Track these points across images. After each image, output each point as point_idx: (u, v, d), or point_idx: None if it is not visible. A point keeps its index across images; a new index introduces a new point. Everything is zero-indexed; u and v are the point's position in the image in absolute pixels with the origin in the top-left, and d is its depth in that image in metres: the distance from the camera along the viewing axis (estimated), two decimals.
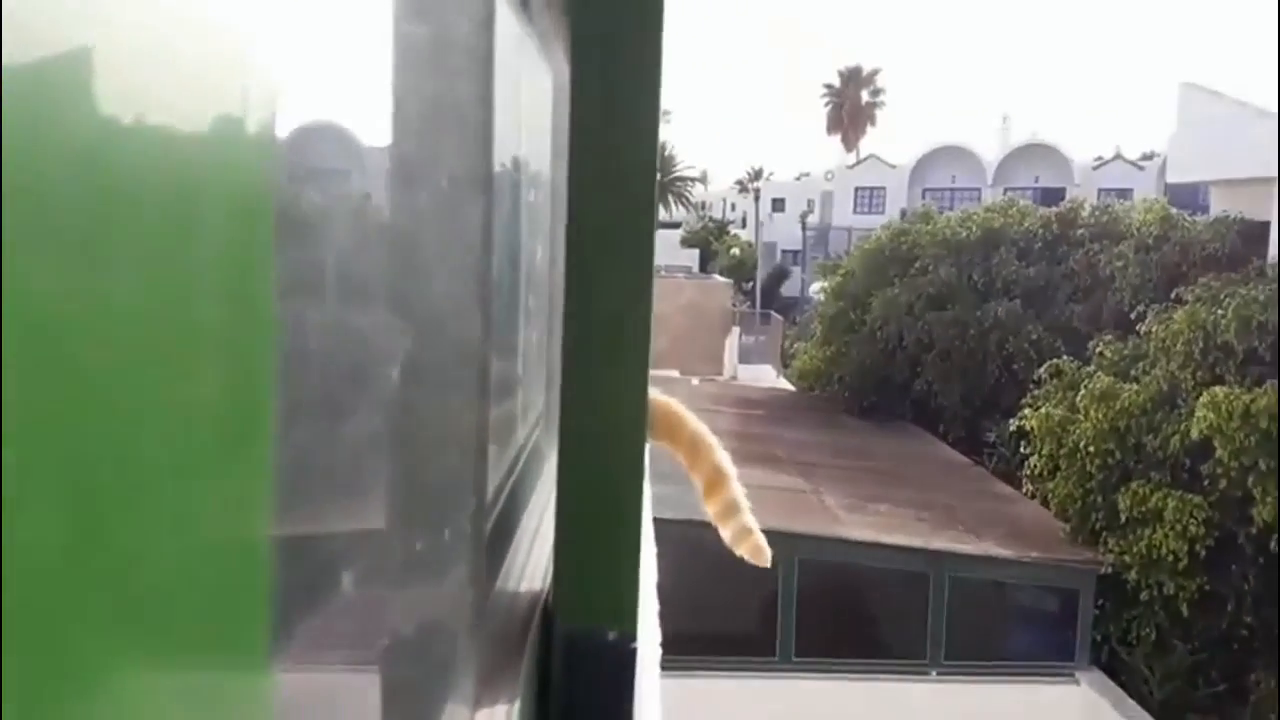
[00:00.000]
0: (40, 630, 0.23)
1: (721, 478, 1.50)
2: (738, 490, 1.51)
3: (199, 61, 0.33)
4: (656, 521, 1.82)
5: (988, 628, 9.24)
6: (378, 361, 0.75)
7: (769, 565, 1.45)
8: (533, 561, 1.40)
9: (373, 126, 0.76)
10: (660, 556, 2.11)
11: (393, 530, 0.81)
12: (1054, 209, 14.94)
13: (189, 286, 0.33)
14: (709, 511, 1.50)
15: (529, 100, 1.58)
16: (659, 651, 1.57)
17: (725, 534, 1.48)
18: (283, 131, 0.43)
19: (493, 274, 1.11)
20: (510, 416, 1.57)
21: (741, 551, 1.47)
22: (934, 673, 8.46)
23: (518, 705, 1.01)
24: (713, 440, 1.53)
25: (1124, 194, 23.53)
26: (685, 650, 7.31)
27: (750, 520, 1.49)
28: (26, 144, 0.22)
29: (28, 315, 0.23)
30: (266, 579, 0.41)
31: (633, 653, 1.12)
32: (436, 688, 0.90)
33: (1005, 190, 27.49)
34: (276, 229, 0.43)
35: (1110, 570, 9.10)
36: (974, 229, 14.59)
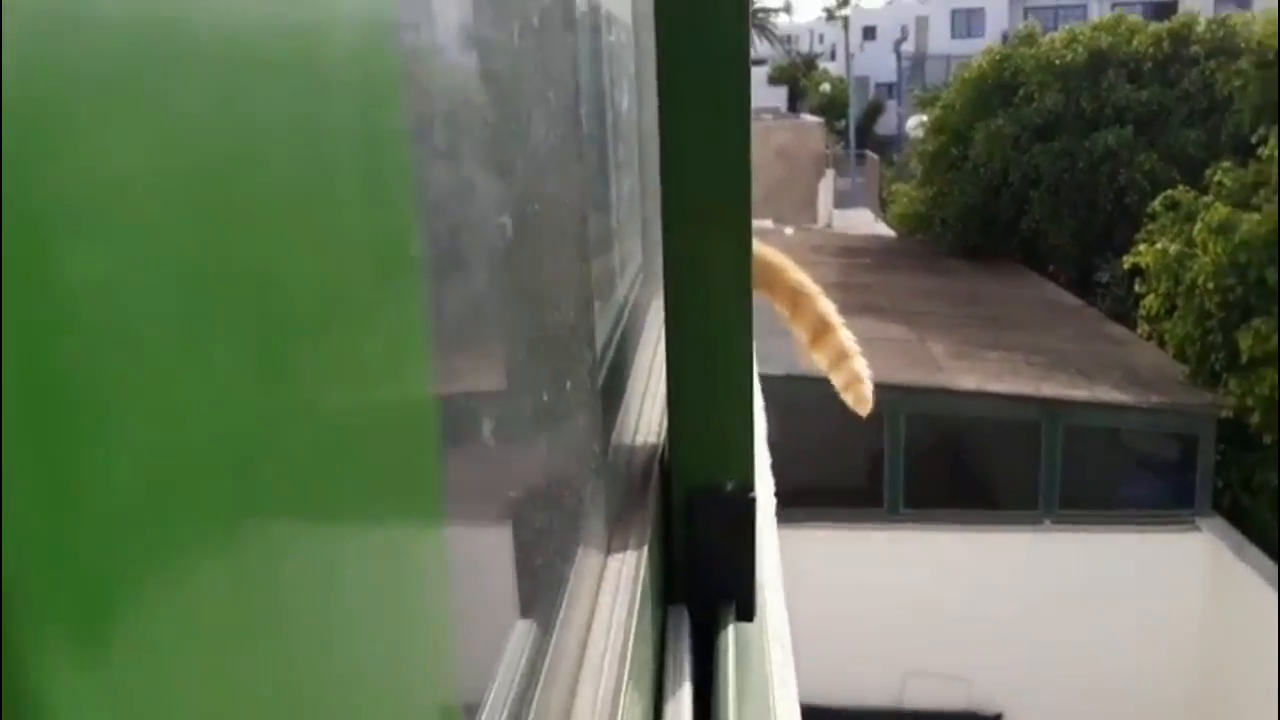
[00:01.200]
0: (229, 483, 0.25)
1: (827, 326, 1.46)
2: (846, 337, 1.45)
3: None
4: (759, 377, 1.84)
5: (1103, 476, 9.06)
6: (488, 215, 0.74)
7: (866, 414, 1.43)
8: (646, 415, 1.43)
9: None
10: (765, 412, 2.11)
11: (520, 383, 0.82)
12: (1165, 24, 14.05)
13: (335, 149, 0.34)
14: (817, 360, 1.47)
15: None
16: (773, 501, 1.64)
17: (836, 381, 1.46)
18: None
19: (583, 124, 1.10)
20: (610, 270, 1.58)
21: (847, 398, 1.45)
22: (1047, 521, 8.35)
23: (645, 554, 1.04)
24: (814, 288, 1.48)
25: (1243, 3, 22.14)
26: (792, 504, 7.32)
27: (860, 367, 1.45)
28: (168, 51, 0.23)
29: (205, 195, 0.25)
30: (435, 430, 0.42)
31: (751, 502, 1.17)
32: (571, 536, 0.91)
33: (1113, 6, 25.99)
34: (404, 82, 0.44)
35: (1231, 414, 8.78)
36: (1081, 50, 13.80)
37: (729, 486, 1.17)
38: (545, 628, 0.78)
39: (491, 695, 0.63)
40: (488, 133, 0.75)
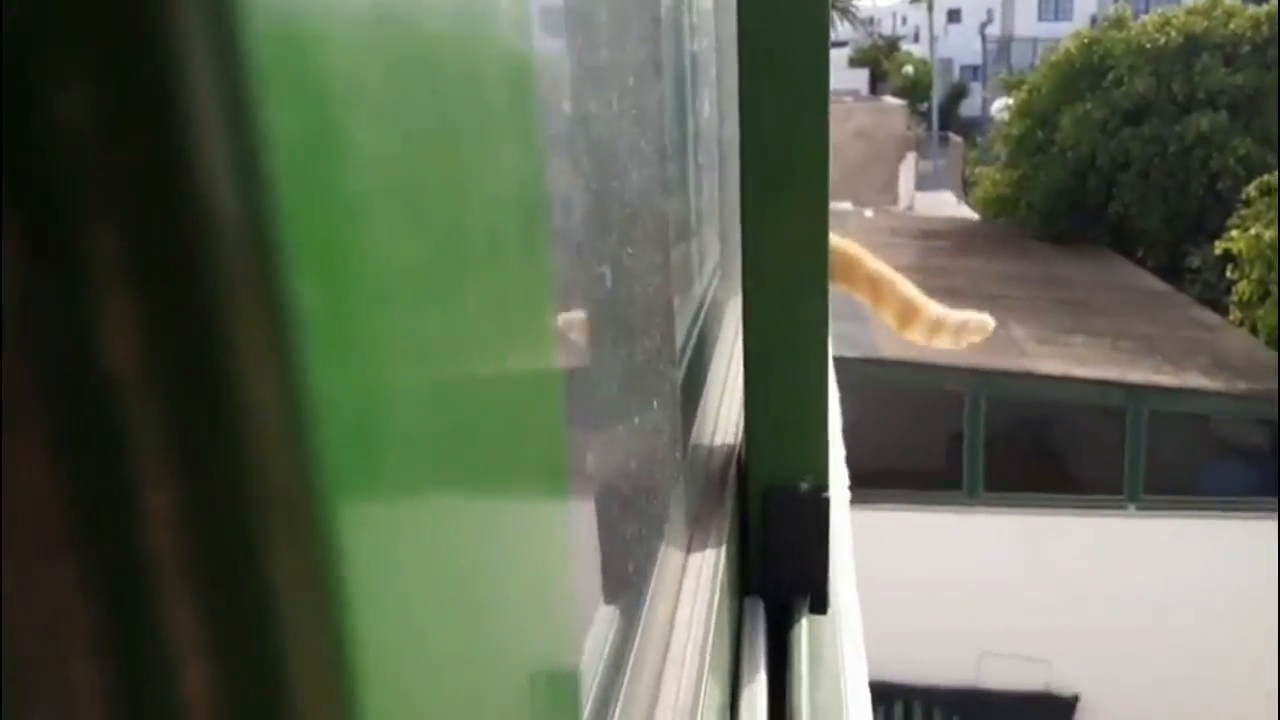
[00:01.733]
0: (359, 450, 0.24)
1: (914, 306, 1.46)
2: (937, 307, 1.46)
3: None
4: (836, 361, 1.86)
5: (1190, 463, 8.92)
6: (572, 212, 0.76)
7: (991, 330, 1.43)
8: (723, 415, 1.44)
9: None
10: (841, 397, 2.14)
11: (606, 380, 0.84)
12: (1264, 6, 13.68)
13: (484, 121, 0.34)
14: (913, 339, 1.47)
15: None
16: (847, 495, 1.62)
17: (946, 343, 1.45)
18: None
19: (666, 128, 1.11)
20: (689, 268, 1.59)
21: (970, 338, 1.44)
22: (1132, 507, 8.25)
23: (724, 550, 1.07)
24: (893, 274, 1.48)
25: None
26: (871, 485, 7.36)
27: (961, 314, 1.45)
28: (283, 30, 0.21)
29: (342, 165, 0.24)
30: (558, 413, 0.42)
31: (825, 501, 1.19)
32: (655, 531, 0.94)
33: None
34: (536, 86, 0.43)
35: None
36: (1174, 34, 13.49)
37: (803, 486, 1.19)
38: (631, 618, 0.81)
39: (583, 681, 0.65)
40: (590, 138, 0.78)
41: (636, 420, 0.93)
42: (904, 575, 7.23)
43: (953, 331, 1.45)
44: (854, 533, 1.59)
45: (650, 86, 1.01)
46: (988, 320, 1.46)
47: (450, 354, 0.30)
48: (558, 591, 0.41)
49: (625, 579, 0.84)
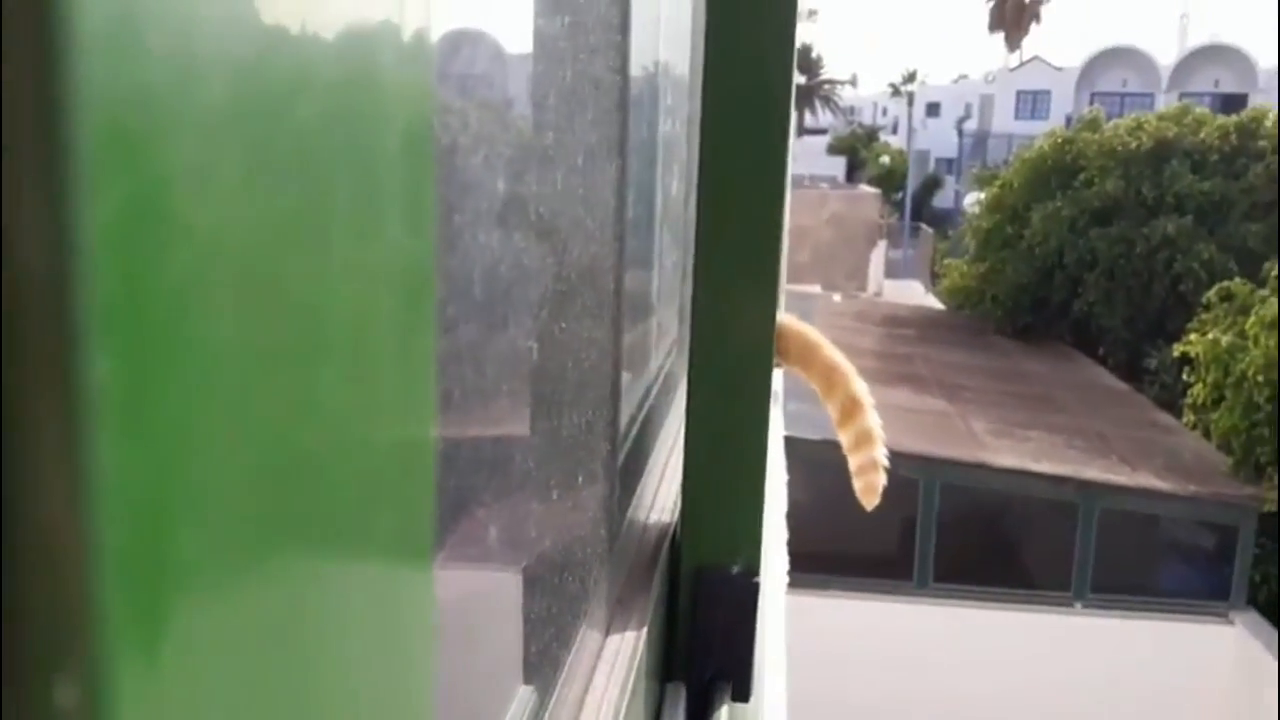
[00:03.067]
0: (212, 522, 0.24)
1: (857, 407, 1.45)
2: (874, 421, 1.45)
3: None
4: (792, 440, 1.80)
5: (1139, 563, 8.92)
6: (520, 284, 0.76)
7: (870, 507, 1.42)
8: (662, 493, 1.45)
9: (512, 40, 0.77)
10: (795, 476, 2.09)
11: (530, 456, 0.83)
12: (1234, 117, 14.01)
13: (357, 199, 0.34)
14: (841, 440, 1.46)
15: (671, 25, 1.54)
16: (784, 580, 1.63)
17: (852, 463, 1.45)
18: (435, 40, 0.42)
19: (628, 204, 1.12)
20: (644, 346, 1.59)
21: (857, 484, 1.44)
22: (1079, 605, 8.22)
23: (646, 631, 1.05)
24: (849, 368, 1.48)
25: None
26: (821, 569, 7.30)
27: (880, 455, 1.44)
28: (178, 56, 0.23)
29: (199, 215, 0.24)
30: (431, 488, 0.42)
31: (755, 586, 1.19)
32: (572, 611, 0.93)
33: (1181, 96, 25.91)
34: (436, 142, 0.43)
35: (1273, 508, 8.62)
36: (1145, 138, 13.79)
37: (735, 568, 1.18)
38: (544, 700, 0.80)
39: None
40: (518, 209, 0.77)
41: (560, 496, 0.92)
42: (849, 665, 7.15)
43: (864, 463, 1.45)
44: (801, 619, 1.54)
45: (605, 163, 1.01)
46: (876, 491, 1.44)
47: (282, 435, 0.29)
48: (413, 681, 0.40)
49: (543, 659, 0.83)
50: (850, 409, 1.46)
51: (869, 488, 1.44)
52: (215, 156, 0.25)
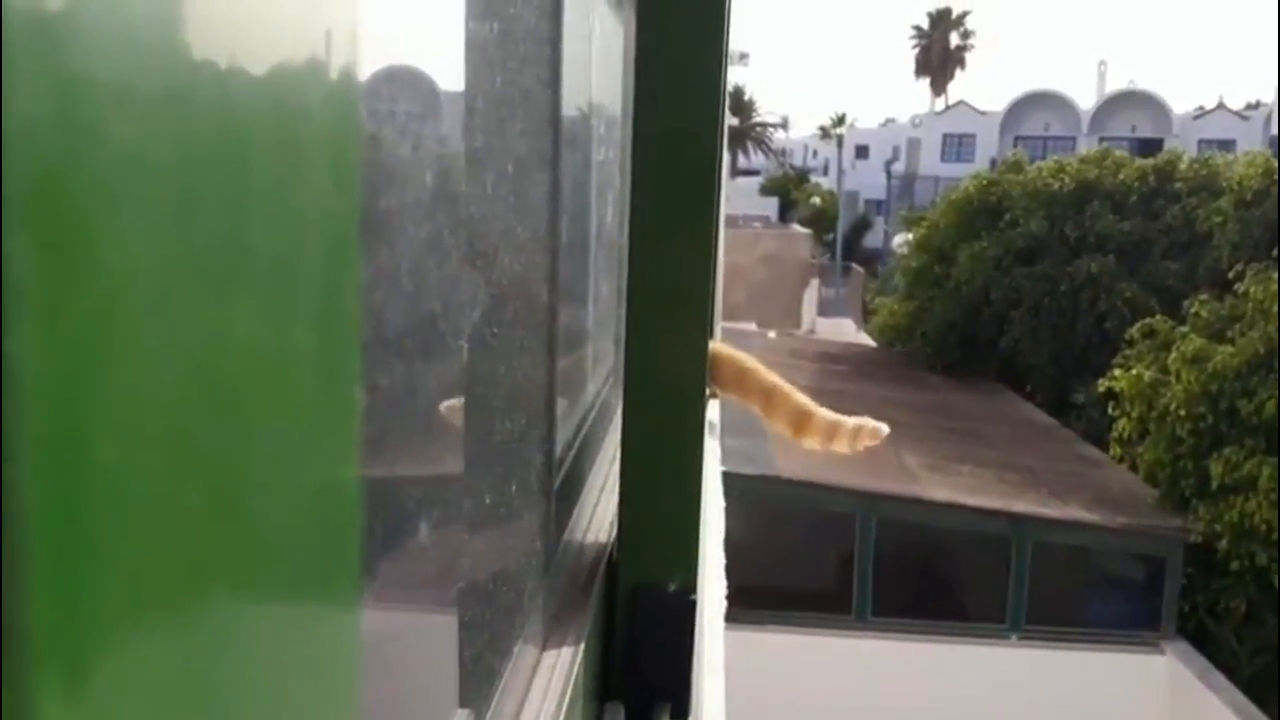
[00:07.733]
0: (135, 560, 0.24)
1: (806, 413, 1.46)
2: (829, 414, 1.46)
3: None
4: (730, 476, 1.81)
5: (1070, 594, 9.05)
6: (450, 315, 0.76)
7: (886, 434, 1.45)
8: (599, 514, 1.46)
9: (446, 75, 0.78)
10: (733, 511, 2.10)
11: (465, 481, 0.84)
12: (1151, 160, 14.41)
13: (279, 233, 0.33)
14: (810, 445, 1.47)
15: (603, 58, 1.57)
16: (723, 604, 1.63)
17: (842, 447, 1.45)
18: (364, 75, 0.43)
19: (561, 234, 1.14)
20: (580, 373, 1.60)
21: (864, 443, 1.45)
22: (1014, 637, 8.32)
23: (582, 648, 1.06)
24: (786, 385, 1.49)
25: (1226, 145, 22.76)
26: (759, 604, 7.31)
27: (854, 420, 1.45)
28: (106, 90, 0.23)
29: (121, 256, 0.24)
30: (356, 521, 0.42)
31: (692, 604, 1.19)
32: (507, 630, 0.93)
33: (1101, 140, 26.66)
34: (361, 175, 0.43)
35: (1200, 539, 8.81)
36: (1067, 180, 14.14)
37: (672, 586, 1.18)
38: (479, 718, 0.80)
39: None
40: (451, 241, 0.78)
41: (495, 520, 0.92)
42: (789, 697, 7.14)
43: (849, 435, 1.45)
44: (741, 653, 1.54)
45: (537, 193, 1.01)
46: (881, 426, 1.46)
47: (205, 473, 0.29)
48: (338, 700, 0.40)
49: (479, 681, 0.83)
50: (801, 417, 1.47)
51: (875, 434, 1.46)
52: (131, 190, 0.24)
